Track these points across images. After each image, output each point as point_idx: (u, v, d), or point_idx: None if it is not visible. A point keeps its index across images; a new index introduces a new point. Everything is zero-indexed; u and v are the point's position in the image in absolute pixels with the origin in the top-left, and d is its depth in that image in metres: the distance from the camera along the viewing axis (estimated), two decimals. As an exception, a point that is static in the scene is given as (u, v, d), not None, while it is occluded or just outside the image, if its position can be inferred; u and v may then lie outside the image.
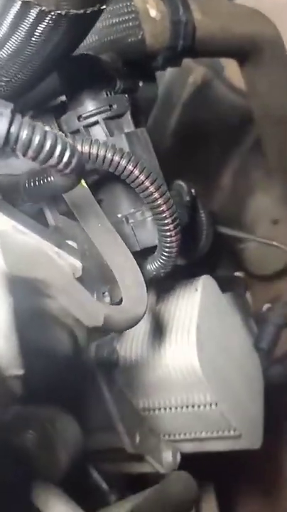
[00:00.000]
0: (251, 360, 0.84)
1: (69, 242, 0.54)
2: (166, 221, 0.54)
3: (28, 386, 0.41)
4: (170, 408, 0.73)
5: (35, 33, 0.40)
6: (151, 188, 0.52)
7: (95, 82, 0.58)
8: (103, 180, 0.59)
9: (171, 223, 0.54)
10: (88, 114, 0.59)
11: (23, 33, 0.41)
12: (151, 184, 0.52)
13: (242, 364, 0.80)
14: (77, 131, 0.60)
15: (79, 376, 0.68)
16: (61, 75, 0.57)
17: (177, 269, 0.76)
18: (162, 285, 0.74)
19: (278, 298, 1.04)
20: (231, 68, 1.22)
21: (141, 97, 0.69)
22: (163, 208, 0.53)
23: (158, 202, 0.53)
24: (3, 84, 0.44)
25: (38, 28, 0.39)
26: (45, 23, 0.39)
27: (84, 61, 0.58)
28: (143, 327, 0.74)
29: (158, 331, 0.72)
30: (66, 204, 0.55)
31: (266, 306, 0.97)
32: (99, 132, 0.59)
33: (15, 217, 0.45)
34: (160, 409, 0.74)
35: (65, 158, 0.38)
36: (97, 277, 0.55)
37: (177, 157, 1.10)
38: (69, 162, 0.38)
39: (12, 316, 0.31)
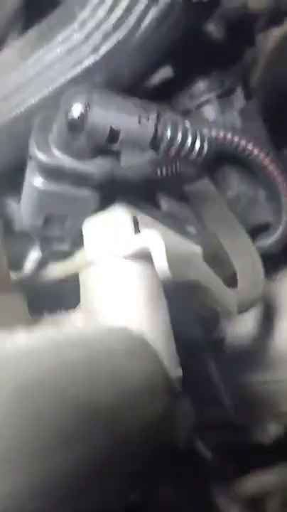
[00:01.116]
0: None
1: (188, 228, 0.54)
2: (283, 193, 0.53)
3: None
4: (276, 382, 0.74)
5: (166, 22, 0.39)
6: (270, 167, 0.52)
7: (207, 60, 0.56)
8: (214, 161, 0.58)
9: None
10: (201, 92, 0.57)
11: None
12: (271, 162, 0.51)
13: None
14: (187, 111, 0.58)
15: (189, 353, 0.69)
16: (175, 56, 0.56)
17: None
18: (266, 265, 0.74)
19: None
20: None
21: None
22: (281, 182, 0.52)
23: (277, 178, 0.52)
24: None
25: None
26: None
27: (197, 41, 0.56)
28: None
29: (266, 309, 0.71)
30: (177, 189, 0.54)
31: None
32: (210, 111, 0.58)
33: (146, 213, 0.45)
34: (265, 383, 0.74)
35: (203, 152, 0.37)
36: (213, 261, 0.55)
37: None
38: (202, 153, 0.38)
39: (169, 320, 0.32)
